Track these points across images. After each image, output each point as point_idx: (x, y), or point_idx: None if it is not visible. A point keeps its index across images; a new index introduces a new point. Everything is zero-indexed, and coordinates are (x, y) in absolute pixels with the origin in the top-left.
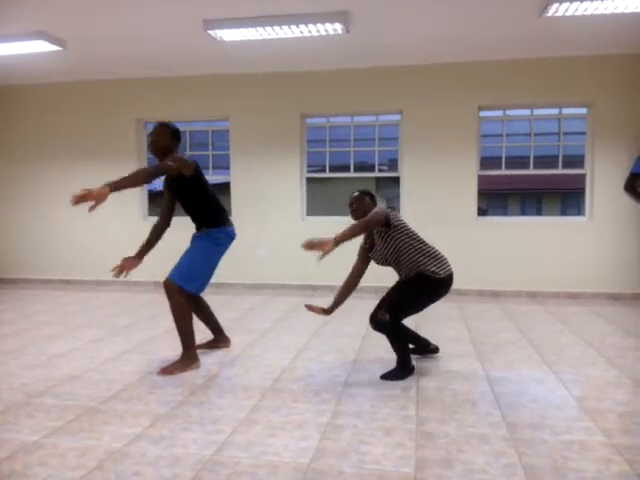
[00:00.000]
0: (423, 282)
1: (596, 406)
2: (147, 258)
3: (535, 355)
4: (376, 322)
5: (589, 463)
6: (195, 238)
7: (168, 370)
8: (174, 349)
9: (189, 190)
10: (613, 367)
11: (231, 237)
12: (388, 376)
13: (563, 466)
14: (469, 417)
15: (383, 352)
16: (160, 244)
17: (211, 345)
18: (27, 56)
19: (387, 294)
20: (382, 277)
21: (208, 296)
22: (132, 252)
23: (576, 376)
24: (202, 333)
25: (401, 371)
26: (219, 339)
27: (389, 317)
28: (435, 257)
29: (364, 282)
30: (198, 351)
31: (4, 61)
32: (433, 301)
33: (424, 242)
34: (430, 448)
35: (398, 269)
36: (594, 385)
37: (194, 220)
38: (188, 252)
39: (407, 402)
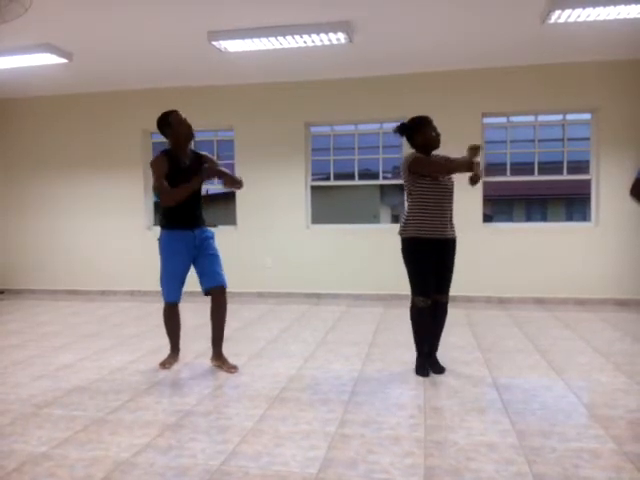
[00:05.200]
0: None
1: (606, 413)
2: (152, 268)
3: (543, 362)
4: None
5: (600, 471)
6: (209, 239)
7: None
8: (181, 357)
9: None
10: (622, 373)
11: None
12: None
13: (574, 474)
14: (478, 425)
15: (390, 360)
16: None
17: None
18: (33, 69)
19: (442, 279)
20: (387, 285)
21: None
22: (137, 262)
23: (585, 383)
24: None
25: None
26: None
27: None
28: None
29: (368, 290)
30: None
31: (11, 74)
32: None
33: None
34: (439, 457)
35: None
36: (603, 392)
37: (199, 212)
38: (217, 256)
39: (415, 410)
